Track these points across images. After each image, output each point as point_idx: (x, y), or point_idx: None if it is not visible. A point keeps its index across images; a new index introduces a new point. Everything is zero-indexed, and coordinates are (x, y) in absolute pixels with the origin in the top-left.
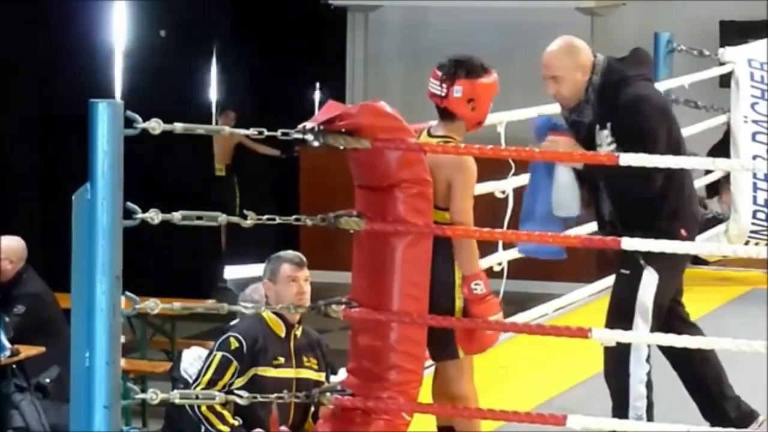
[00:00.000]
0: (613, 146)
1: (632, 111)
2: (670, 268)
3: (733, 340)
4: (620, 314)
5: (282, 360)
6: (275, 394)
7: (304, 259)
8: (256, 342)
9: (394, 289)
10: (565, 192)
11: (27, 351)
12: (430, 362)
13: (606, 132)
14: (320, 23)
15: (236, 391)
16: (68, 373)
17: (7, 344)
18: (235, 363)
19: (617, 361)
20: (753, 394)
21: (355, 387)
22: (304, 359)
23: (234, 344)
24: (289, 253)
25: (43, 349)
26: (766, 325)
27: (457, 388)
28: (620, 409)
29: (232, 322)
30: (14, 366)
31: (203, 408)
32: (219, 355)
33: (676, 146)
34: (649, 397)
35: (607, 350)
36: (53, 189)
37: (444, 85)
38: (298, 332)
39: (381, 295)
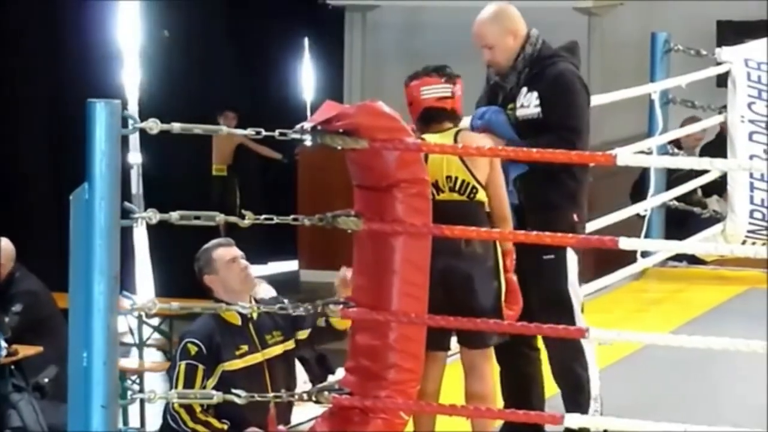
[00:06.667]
0: (538, 110)
1: (564, 82)
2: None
3: (730, 340)
4: (557, 302)
5: (246, 348)
6: (272, 393)
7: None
8: (212, 339)
9: (393, 289)
10: None
11: (25, 351)
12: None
13: (535, 95)
14: (318, 23)
15: (234, 391)
16: (66, 372)
17: (3, 344)
18: (200, 366)
19: (573, 353)
20: (751, 394)
21: (354, 386)
22: (268, 338)
23: (192, 349)
24: (212, 241)
25: (41, 348)
26: (764, 324)
27: (481, 381)
28: (580, 404)
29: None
30: (12, 366)
31: (189, 423)
32: (183, 364)
33: (588, 129)
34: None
35: (558, 344)
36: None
37: (449, 85)
38: (254, 314)
39: (380, 294)
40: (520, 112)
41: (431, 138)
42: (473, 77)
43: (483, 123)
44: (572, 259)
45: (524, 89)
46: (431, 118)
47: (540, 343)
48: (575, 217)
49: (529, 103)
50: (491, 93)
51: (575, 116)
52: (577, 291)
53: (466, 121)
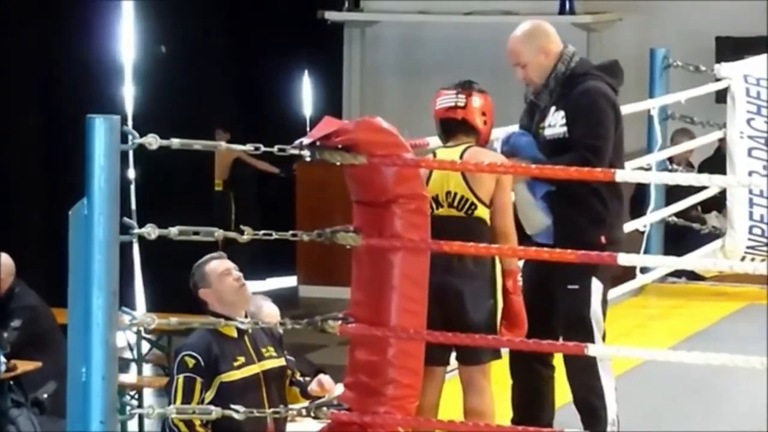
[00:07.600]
0: (564, 129)
1: (589, 101)
2: (608, 276)
3: (729, 356)
4: (579, 330)
5: (242, 359)
6: (271, 409)
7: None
8: (209, 352)
9: (392, 304)
10: (526, 210)
11: (24, 366)
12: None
13: (561, 114)
14: (317, 38)
15: (233, 407)
16: (65, 388)
17: (2, 359)
18: (198, 379)
19: (589, 380)
20: (750, 410)
21: (352, 401)
22: (263, 351)
23: (190, 362)
24: (206, 256)
25: (39, 364)
26: (763, 340)
27: (479, 397)
28: (597, 424)
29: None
30: (11, 381)
31: None
32: (181, 378)
33: (619, 148)
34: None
35: (574, 367)
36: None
37: (462, 96)
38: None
39: (379, 309)
40: (548, 132)
41: (440, 153)
42: None
43: (509, 148)
44: (597, 289)
45: (553, 108)
46: (444, 130)
47: (555, 361)
48: (603, 239)
49: (555, 123)
50: (530, 111)
51: (597, 135)
52: (599, 319)
53: (494, 135)
